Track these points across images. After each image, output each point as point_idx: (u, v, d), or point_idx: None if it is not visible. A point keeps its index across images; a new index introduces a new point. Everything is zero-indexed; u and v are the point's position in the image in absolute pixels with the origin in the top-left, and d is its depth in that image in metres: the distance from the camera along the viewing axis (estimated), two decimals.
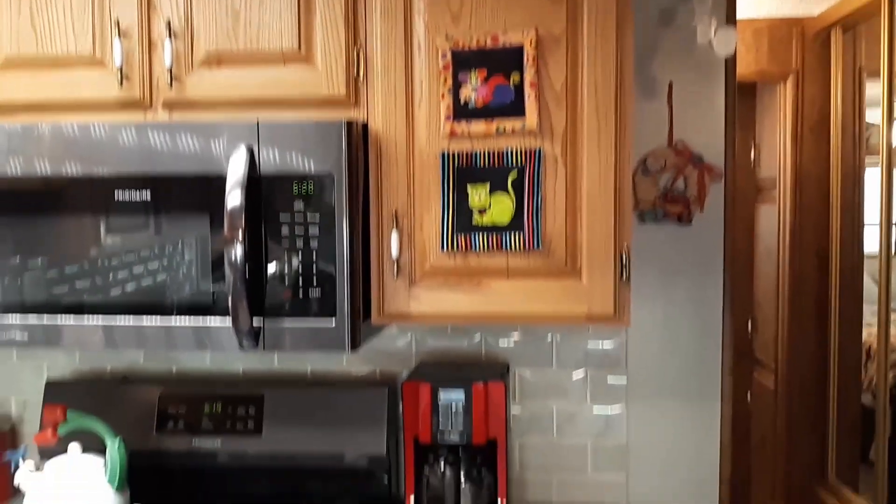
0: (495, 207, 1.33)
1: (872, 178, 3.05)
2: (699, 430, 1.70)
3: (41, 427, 1.52)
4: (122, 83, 1.40)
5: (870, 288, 2.95)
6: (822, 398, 3.19)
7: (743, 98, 3.39)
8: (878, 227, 2.60)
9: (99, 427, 1.50)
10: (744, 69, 2.77)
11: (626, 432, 1.71)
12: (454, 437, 1.45)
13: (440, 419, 1.45)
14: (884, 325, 2.61)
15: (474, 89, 1.31)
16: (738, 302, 1.75)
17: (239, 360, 1.77)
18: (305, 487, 1.67)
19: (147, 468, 1.64)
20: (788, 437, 3.22)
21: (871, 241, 2.80)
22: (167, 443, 1.65)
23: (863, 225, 3.09)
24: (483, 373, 1.53)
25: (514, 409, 1.73)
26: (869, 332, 3.05)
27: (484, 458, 1.51)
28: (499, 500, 1.49)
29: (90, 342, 1.37)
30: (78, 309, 1.37)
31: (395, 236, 1.35)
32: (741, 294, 3.67)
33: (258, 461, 1.64)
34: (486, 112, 1.32)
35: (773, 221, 3.36)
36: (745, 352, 3.71)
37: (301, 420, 1.64)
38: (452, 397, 1.45)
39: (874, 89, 2.71)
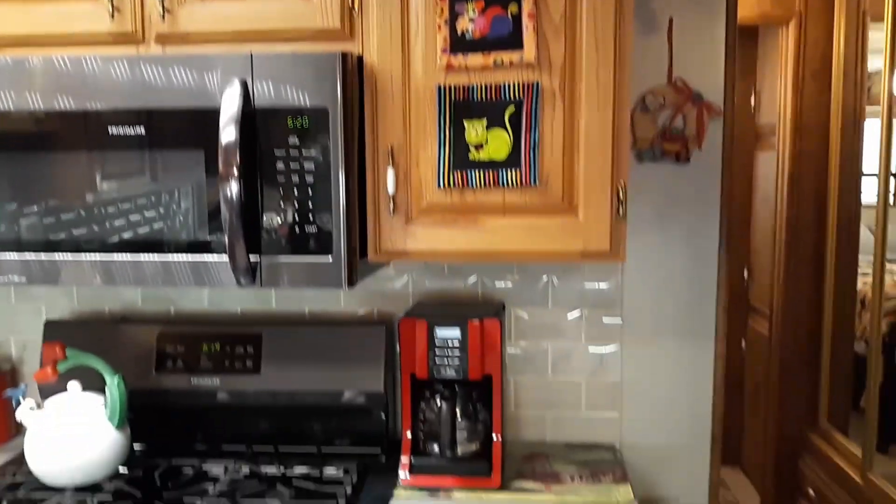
0: (492, 143, 1.32)
1: (873, 128, 3.03)
2: (693, 368, 1.72)
3: (41, 365, 1.53)
4: (113, 16, 1.38)
5: (866, 238, 2.95)
6: (816, 345, 3.22)
7: (744, 44, 3.34)
8: (876, 178, 2.59)
9: (98, 364, 1.51)
10: (746, 11, 2.73)
11: (621, 371, 1.73)
12: (450, 373, 1.46)
13: (436, 355, 1.46)
14: (879, 274, 2.62)
15: (471, 20, 1.29)
16: (734, 249, 1.75)
17: (237, 301, 1.78)
18: (304, 425, 1.69)
19: (147, 407, 1.66)
20: (781, 384, 3.26)
21: (870, 192, 2.79)
22: (166, 382, 1.67)
23: (861, 175, 3.08)
24: (479, 311, 1.53)
25: (510, 349, 1.75)
26: (864, 282, 3.06)
27: (479, 393, 1.53)
28: (494, 434, 1.51)
29: (88, 280, 1.37)
30: (75, 247, 1.36)
31: (391, 173, 1.34)
32: (738, 242, 3.68)
33: (257, 399, 1.66)
34: (483, 44, 1.30)
35: (771, 168, 3.35)
36: (740, 299, 3.74)
37: (299, 359, 1.65)
38: (448, 334, 1.46)
39: (878, 33, 2.67)
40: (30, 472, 1.51)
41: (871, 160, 2.85)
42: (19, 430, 1.82)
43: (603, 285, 1.72)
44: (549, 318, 1.73)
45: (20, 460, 1.59)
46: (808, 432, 3.17)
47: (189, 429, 1.71)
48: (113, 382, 1.50)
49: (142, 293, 1.80)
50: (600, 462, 1.63)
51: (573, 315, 1.73)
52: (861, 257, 3.11)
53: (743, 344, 3.74)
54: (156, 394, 1.67)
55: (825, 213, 3.13)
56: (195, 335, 1.68)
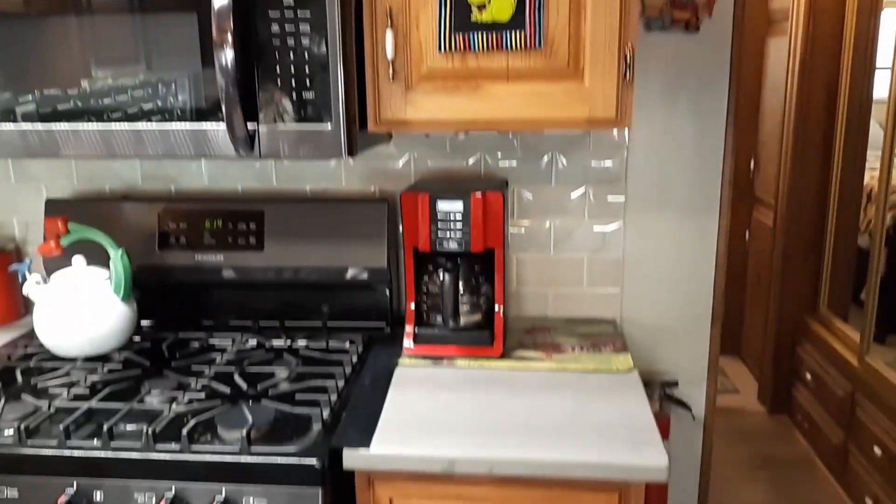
0: (495, 3, 1.27)
1: (889, 19, 2.92)
2: (696, 245, 1.72)
3: (44, 241, 1.54)
4: None
5: (876, 133, 2.90)
6: (820, 235, 3.22)
7: None
8: (889, 72, 2.51)
9: (101, 238, 1.52)
10: None
11: (623, 247, 1.73)
12: (453, 246, 1.46)
13: (439, 228, 1.46)
14: (886, 168, 2.59)
15: None
16: (742, 132, 1.71)
17: (237, 180, 1.77)
18: (310, 301, 1.71)
19: (152, 284, 1.68)
20: (783, 272, 3.28)
21: (882, 86, 2.71)
22: (170, 259, 1.68)
23: (874, 68, 2.99)
24: (482, 186, 1.52)
25: (513, 229, 1.74)
26: (871, 176, 3.03)
27: (482, 267, 1.54)
28: (496, 305, 1.53)
29: (88, 150, 1.35)
30: (73, 117, 1.33)
31: (389, 35, 1.30)
32: (746, 128, 3.62)
33: (261, 276, 1.67)
34: None
35: (782, 55, 3.25)
36: (745, 191, 3.72)
37: (302, 235, 1.65)
38: (451, 207, 1.45)
39: None
40: (41, 345, 1.54)
41: (885, 53, 2.76)
42: (28, 309, 1.85)
43: (608, 163, 1.70)
44: (553, 196, 1.72)
45: (31, 334, 1.62)
46: (807, 319, 3.22)
47: (195, 305, 1.73)
48: (116, 256, 1.50)
49: (142, 172, 1.78)
50: (601, 334, 1.66)
51: (577, 193, 1.71)
52: (869, 152, 3.06)
53: (747, 235, 3.74)
54: (160, 270, 1.68)
55: (835, 104, 3.06)
56: (197, 212, 1.67)
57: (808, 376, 3.13)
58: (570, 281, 1.75)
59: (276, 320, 1.70)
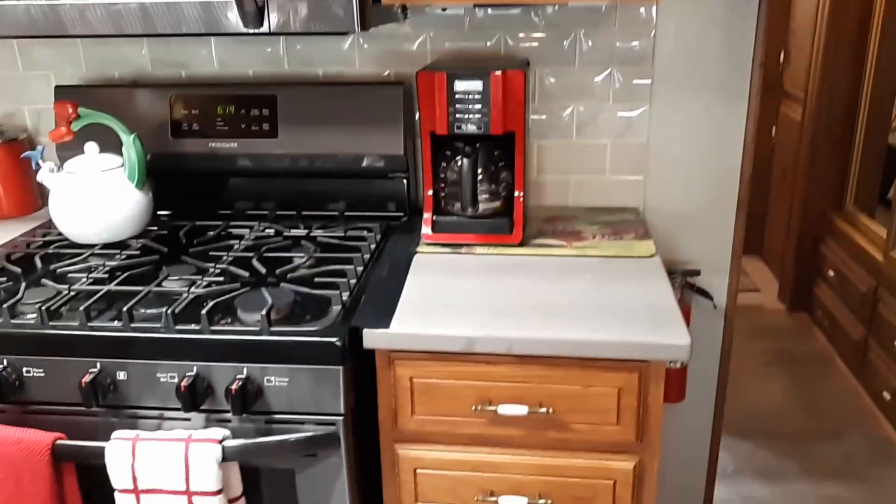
0: None
1: None
2: (724, 129, 1.65)
3: (55, 126, 1.51)
4: None
5: None
6: (849, 131, 3.12)
7: None
8: None
9: (113, 123, 1.48)
10: None
11: (647, 132, 1.67)
12: (471, 128, 1.41)
13: (457, 110, 1.41)
14: None
15: None
16: (770, 29, 1.61)
17: (247, 65, 1.71)
18: (326, 191, 1.68)
19: (167, 172, 1.66)
20: (810, 167, 3.20)
21: None
22: (184, 146, 1.65)
23: None
24: (502, 65, 1.45)
25: (534, 116, 1.68)
26: None
27: (502, 153, 1.49)
28: (516, 191, 1.49)
29: (94, 28, 1.29)
30: None
31: None
32: (775, 22, 3.46)
33: (276, 163, 1.64)
34: None
35: None
36: (774, 84, 3.59)
37: (316, 121, 1.61)
38: (469, 86, 1.39)
39: None
40: (59, 233, 1.53)
41: None
42: (44, 201, 1.84)
43: (634, 44, 1.62)
44: (576, 78, 1.65)
45: (48, 224, 1.62)
46: (832, 216, 3.16)
47: (211, 195, 1.71)
48: (129, 141, 1.47)
49: (151, 58, 1.73)
50: (623, 222, 1.62)
51: (601, 75, 1.64)
52: None
53: (773, 131, 3.64)
54: (174, 158, 1.65)
55: None
56: (209, 97, 1.63)
57: (831, 273, 3.10)
58: (592, 168, 1.70)
59: (293, 210, 1.68)
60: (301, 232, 1.57)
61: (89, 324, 1.20)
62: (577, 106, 1.67)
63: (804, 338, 3.21)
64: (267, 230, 1.59)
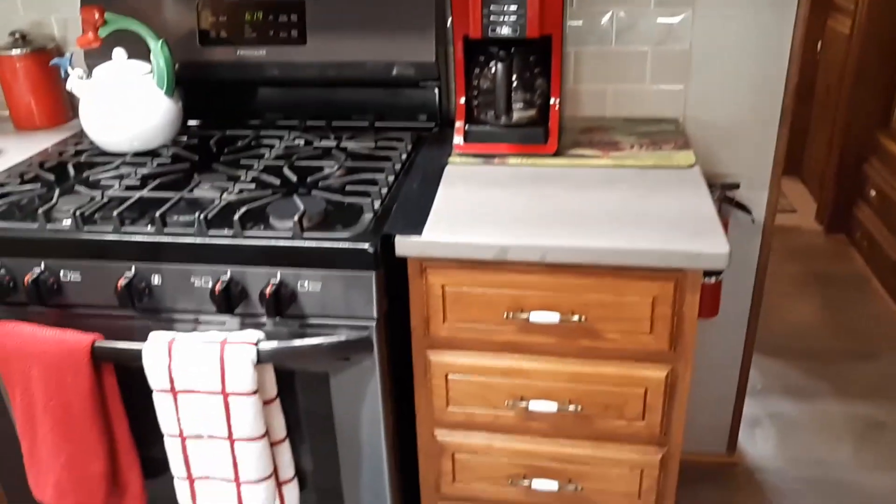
0: None
1: None
2: (770, 36, 1.58)
3: (82, 32, 1.48)
4: None
5: None
6: None
7: None
8: None
9: (140, 28, 1.46)
10: None
11: (690, 39, 1.60)
12: (506, 30, 1.36)
13: (491, 11, 1.35)
14: None
15: None
16: None
17: None
18: (356, 100, 1.65)
19: (195, 82, 1.64)
20: (856, 84, 3.07)
21: None
22: (212, 55, 1.62)
23: None
24: None
25: (571, 21, 1.62)
26: None
27: (537, 59, 1.44)
28: (551, 99, 1.45)
29: None
30: None
31: None
32: None
33: (305, 72, 1.61)
34: None
35: None
36: None
37: (345, 28, 1.56)
38: None
39: None
40: (90, 143, 1.53)
41: None
42: (75, 112, 1.84)
43: None
44: None
45: (79, 135, 1.62)
46: (878, 135, 3.05)
47: (240, 104, 1.69)
48: (157, 47, 1.45)
49: None
50: (662, 133, 1.57)
51: None
52: None
53: (818, 45, 3.48)
54: (203, 67, 1.63)
55: None
56: (236, 4, 1.58)
57: (873, 193, 3.01)
58: (630, 77, 1.65)
59: (323, 120, 1.66)
60: (331, 143, 1.55)
61: (123, 228, 1.20)
62: (616, 11, 1.60)
63: (841, 260, 3.15)
64: (297, 140, 1.57)
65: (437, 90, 1.62)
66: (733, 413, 2.01)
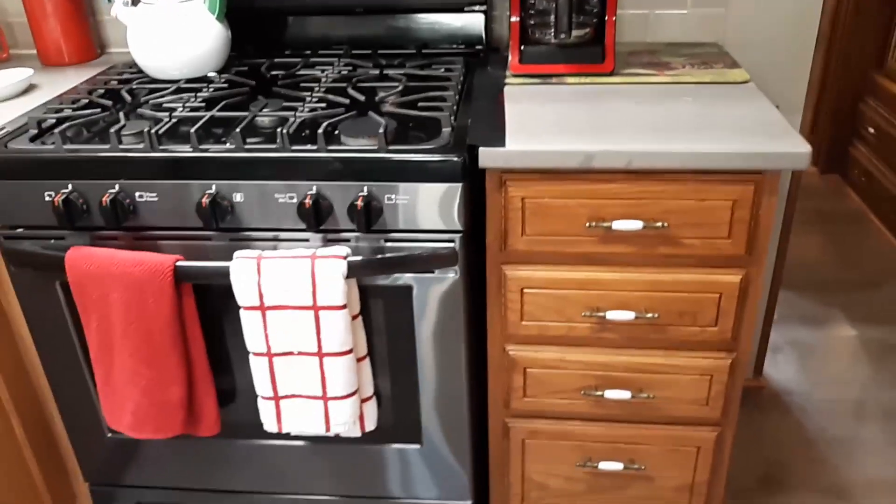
0: None
1: None
2: None
3: None
4: None
5: None
6: None
7: None
8: None
9: None
10: None
11: None
12: None
13: None
14: None
15: None
16: None
17: None
18: (398, 27, 1.64)
19: (238, 10, 1.59)
20: (853, 22, 3.12)
21: None
22: None
23: None
24: None
25: None
26: None
27: None
28: (606, 15, 1.45)
29: None
30: None
31: None
32: None
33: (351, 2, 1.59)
34: None
35: None
36: None
37: None
38: None
39: None
40: (135, 71, 1.50)
41: None
42: (104, 49, 1.79)
43: None
44: None
45: (114, 69, 1.58)
46: (874, 74, 3.12)
47: (287, 34, 1.66)
48: None
49: None
50: (708, 54, 1.59)
51: None
52: None
53: None
54: None
55: None
56: None
57: (871, 130, 3.09)
58: (671, 1, 1.66)
59: (369, 49, 1.64)
60: (383, 68, 1.53)
61: (200, 146, 1.18)
62: None
63: (838, 198, 3.23)
64: (346, 67, 1.55)
65: (483, 14, 1.61)
66: (760, 340, 2.06)
